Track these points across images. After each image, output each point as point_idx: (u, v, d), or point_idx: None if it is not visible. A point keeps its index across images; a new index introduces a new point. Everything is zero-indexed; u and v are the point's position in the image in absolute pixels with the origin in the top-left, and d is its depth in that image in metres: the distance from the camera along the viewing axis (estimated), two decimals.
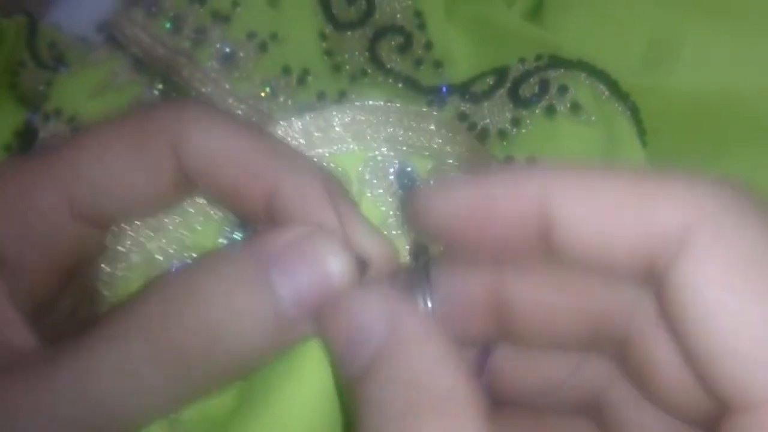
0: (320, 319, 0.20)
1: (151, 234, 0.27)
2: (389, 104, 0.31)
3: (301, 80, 0.37)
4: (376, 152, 0.30)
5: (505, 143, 0.34)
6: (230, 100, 0.36)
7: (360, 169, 0.30)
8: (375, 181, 0.29)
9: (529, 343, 0.22)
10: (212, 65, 0.37)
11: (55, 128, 0.38)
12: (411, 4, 0.39)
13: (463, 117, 0.36)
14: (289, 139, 0.30)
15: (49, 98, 0.40)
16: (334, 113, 0.30)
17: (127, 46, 0.38)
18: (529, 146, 0.34)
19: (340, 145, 0.30)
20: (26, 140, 0.39)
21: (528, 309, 0.20)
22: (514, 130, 0.35)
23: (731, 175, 0.33)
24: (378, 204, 0.29)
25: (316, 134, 0.30)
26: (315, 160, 0.29)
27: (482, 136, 0.35)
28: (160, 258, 0.27)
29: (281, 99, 0.37)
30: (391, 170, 0.30)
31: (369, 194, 0.29)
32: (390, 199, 0.29)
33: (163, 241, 0.27)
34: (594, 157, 0.34)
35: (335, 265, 0.20)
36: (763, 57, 0.36)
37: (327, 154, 0.30)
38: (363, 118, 0.30)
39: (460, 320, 0.21)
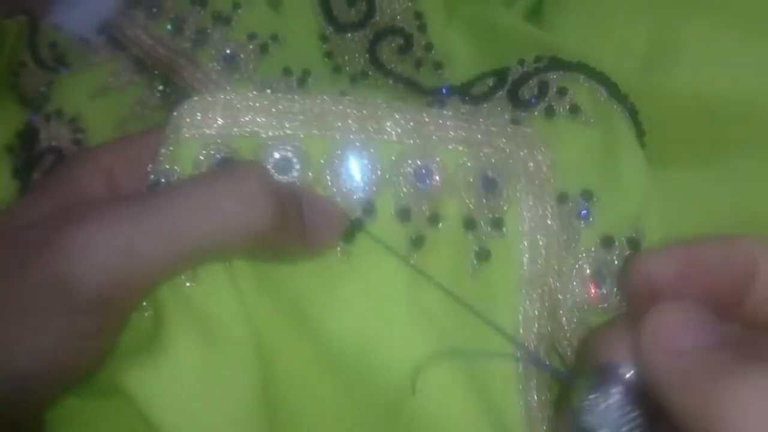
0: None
1: None
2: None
3: (302, 82, 0.38)
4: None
5: None
6: None
7: (395, 158, 0.30)
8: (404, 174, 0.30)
9: None
10: (213, 66, 0.37)
11: (57, 129, 0.39)
12: (411, 5, 0.39)
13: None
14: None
15: (50, 99, 0.40)
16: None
17: (127, 47, 0.39)
18: None
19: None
20: (28, 141, 0.39)
21: None
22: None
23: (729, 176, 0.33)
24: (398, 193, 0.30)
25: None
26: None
27: None
28: None
29: None
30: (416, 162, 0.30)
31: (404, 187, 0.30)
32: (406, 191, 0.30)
33: None
34: (593, 159, 0.34)
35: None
36: (763, 58, 0.36)
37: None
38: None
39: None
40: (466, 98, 0.36)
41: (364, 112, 0.31)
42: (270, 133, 0.29)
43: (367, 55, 0.39)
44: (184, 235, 0.25)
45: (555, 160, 0.33)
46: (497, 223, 0.30)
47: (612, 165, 0.33)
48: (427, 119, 0.31)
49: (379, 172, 0.30)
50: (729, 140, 0.36)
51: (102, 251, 0.24)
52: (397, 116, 0.31)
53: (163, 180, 0.28)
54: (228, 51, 0.37)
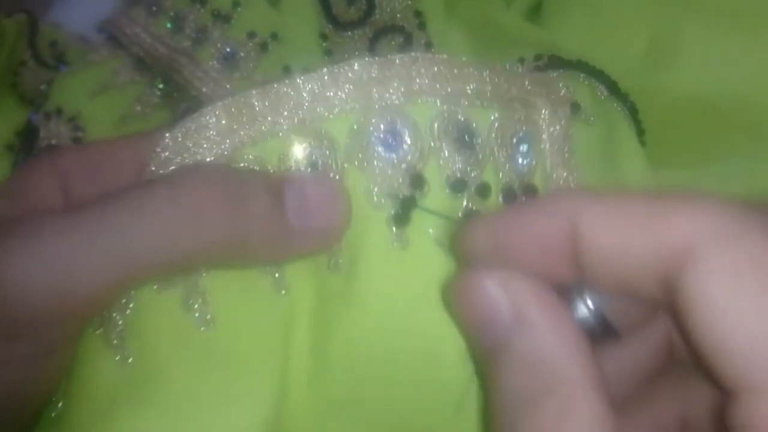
0: (452, 299, 0.22)
1: None
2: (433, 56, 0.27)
3: None
4: (444, 107, 0.26)
5: None
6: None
7: (435, 124, 0.26)
8: (447, 139, 0.26)
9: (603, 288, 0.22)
10: (213, 65, 0.37)
11: (57, 127, 0.39)
12: (411, 4, 0.39)
13: None
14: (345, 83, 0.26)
15: (50, 97, 0.40)
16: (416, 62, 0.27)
17: (127, 46, 0.39)
18: None
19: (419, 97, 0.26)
20: (27, 139, 0.39)
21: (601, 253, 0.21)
22: None
23: (730, 183, 0.33)
24: (448, 164, 0.26)
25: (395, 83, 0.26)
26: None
27: None
28: None
29: None
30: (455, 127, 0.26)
31: (444, 152, 0.26)
32: (457, 158, 0.26)
33: None
34: (593, 157, 0.34)
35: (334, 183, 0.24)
36: (763, 57, 0.36)
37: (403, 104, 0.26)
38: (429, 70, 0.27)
39: (544, 265, 0.21)
40: None
41: (391, 71, 0.26)
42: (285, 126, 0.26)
43: (366, 54, 0.39)
44: (122, 251, 0.22)
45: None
46: (530, 189, 0.28)
47: (612, 163, 0.33)
48: (456, 72, 0.27)
49: (421, 140, 0.26)
50: (728, 139, 0.36)
51: (33, 270, 0.22)
52: (424, 70, 0.27)
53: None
54: (228, 49, 0.37)
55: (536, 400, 0.19)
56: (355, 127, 0.25)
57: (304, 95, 0.25)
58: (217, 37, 0.37)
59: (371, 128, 0.25)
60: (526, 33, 0.38)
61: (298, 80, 0.26)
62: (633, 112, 0.35)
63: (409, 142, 0.25)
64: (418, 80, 0.26)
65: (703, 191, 0.19)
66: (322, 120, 0.25)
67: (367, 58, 0.26)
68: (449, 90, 0.26)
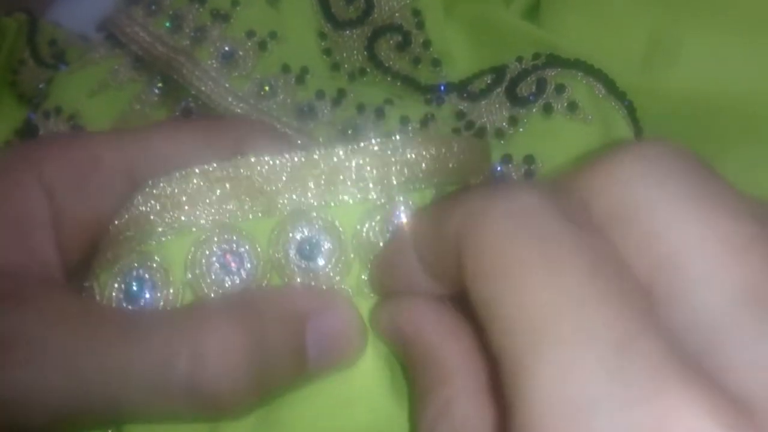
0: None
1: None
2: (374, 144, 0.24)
3: (300, 79, 0.38)
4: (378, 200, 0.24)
5: (502, 142, 0.35)
6: (230, 99, 0.36)
7: (359, 224, 0.24)
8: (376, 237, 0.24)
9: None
10: (212, 64, 0.37)
11: (55, 126, 0.39)
12: (409, 2, 0.39)
13: (460, 115, 0.36)
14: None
15: (49, 96, 0.40)
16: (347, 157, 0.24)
17: (126, 45, 0.39)
18: (526, 145, 0.34)
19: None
20: (26, 138, 0.39)
21: None
22: (511, 129, 0.35)
23: None
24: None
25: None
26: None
27: (479, 135, 0.35)
28: None
29: (280, 98, 0.37)
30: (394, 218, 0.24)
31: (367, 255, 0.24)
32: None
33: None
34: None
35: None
36: (763, 57, 0.36)
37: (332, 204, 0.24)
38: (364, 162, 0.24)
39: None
40: (464, 95, 0.36)
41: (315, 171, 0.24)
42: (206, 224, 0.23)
43: (365, 52, 0.39)
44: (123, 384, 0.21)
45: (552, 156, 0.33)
46: None
47: None
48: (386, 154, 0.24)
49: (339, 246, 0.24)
50: (727, 139, 0.36)
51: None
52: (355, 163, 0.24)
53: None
54: (227, 48, 0.37)
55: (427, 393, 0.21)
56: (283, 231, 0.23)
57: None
58: (216, 36, 0.37)
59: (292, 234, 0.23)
60: (525, 32, 0.38)
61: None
62: (631, 111, 0.35)
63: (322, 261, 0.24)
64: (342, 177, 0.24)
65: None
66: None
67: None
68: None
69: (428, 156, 0.24)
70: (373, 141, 0.24)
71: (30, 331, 0.21)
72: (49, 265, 0.24)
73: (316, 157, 0.23)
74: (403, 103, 0.37)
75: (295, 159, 0.23)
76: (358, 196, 0.24)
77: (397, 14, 0.39)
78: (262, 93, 0.37)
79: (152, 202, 0.23)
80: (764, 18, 0.36)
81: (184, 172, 0.23)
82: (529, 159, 0.34)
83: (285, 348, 0.22)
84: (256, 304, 0.23)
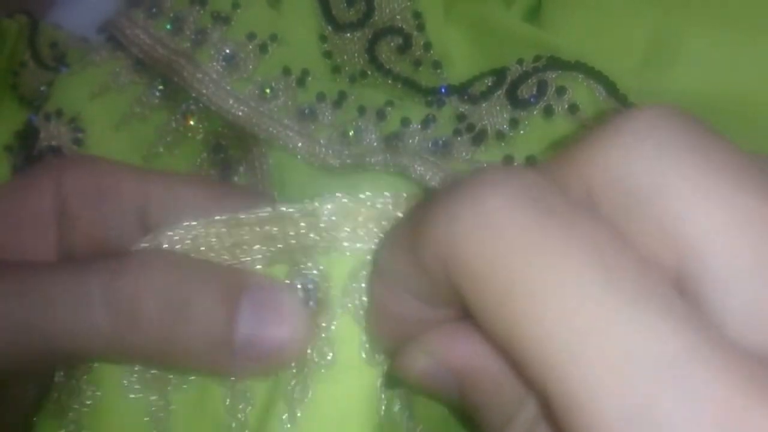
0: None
1: None
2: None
3: (301, 81, 0.38)
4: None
5: (503, 144, 0.35)
6: (230, 102, 0.36)
7: (353, 275, 0.24)
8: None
9: None
10: (213, 66, 0.37)
11: (57, 128, 0.39)
12: (410, 5, 0.39)
13: (461, 118, 0.36)
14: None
15: (50, 98, 0.40)
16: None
17: (127, 47, 0.39)
18: (526, 147, 0.34)
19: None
20: (27, 141, 0.39)
21: None
22: (512, 131, 0.35)
23: None
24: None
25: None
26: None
27: (480, 137, 0.35)
28: None
29: (281, 100, 0.37)
30: None
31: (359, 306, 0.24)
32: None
33: None
34: None
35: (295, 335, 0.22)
36: (763, 58, 0.36)
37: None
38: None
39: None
40: (465, 97, 0.36)
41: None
42: None
43: (366, 55, 0.39)
44: (31, 327, 0.22)
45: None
46: None
47: None
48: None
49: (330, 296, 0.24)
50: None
51: None
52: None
53: None
54: (227, 51, 0.37)
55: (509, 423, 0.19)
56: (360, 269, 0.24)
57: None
58: (216, 39, 0.37)
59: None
60: (525, 34, 0.38)
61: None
62: None
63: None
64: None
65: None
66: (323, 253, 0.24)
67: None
68: None
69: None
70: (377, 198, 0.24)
71: None
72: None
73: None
74: (404, 105, 0.37)
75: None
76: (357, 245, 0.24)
77: (397, 16, 0.39)
78: (263, 96, 0.37)
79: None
80: (764, 18, 0.36)
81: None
82: (531, 160, 0.34)
83: (209, 306, 0.22)
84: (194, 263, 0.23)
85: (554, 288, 0.15)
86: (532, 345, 0.15)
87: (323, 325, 0.23)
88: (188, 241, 0.23)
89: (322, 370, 0.23)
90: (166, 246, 0.23)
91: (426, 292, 0.19)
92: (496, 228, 0.16)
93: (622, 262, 0.15)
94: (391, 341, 0.22)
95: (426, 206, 0.18)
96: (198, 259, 0.23)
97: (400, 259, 0.19)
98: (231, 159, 0.38)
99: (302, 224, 0.23)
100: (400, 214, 0.23)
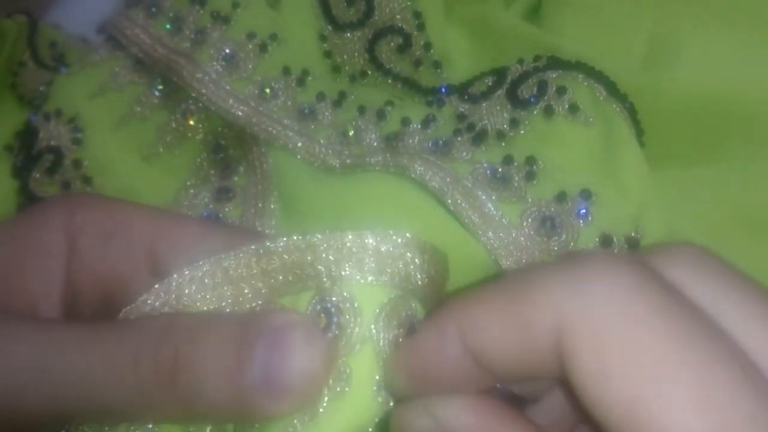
0: None
1: None
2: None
3: (301, 81, 0.38)
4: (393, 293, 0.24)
5: (503, 144, 0.34)
6: (230, 101, 0.36)
7: (378, 309, 0.23)
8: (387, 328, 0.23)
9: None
10: (212, 66, 0.37)
11: (56, 128, 0.39)
12: (410, 5, 0.39)
13: (461, 118, 0.36)
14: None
15: (49, 98, 0.40)
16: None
17: (127, 47, 0.38)
18: (527, 147, 0.34)
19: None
20: (27, 140, 0.39)
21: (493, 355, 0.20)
22: (512, 131, 0.35)
23: None
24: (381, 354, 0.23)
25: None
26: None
27: (480, 137, 0.35)
28: None
29: (281, 100, 0.37)
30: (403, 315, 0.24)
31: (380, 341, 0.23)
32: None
33: None
34: (592, 158, 0.34)
35: (313, 366, 0.22)
36: (763, 57, 0.36)
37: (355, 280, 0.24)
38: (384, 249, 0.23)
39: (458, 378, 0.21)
40: (465, 97, 0.36)
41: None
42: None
43: (366, 55, 0.39)
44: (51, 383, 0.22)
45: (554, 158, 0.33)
46: None
47: (611, 164, 0.33)
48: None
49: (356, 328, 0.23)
50: (729, 140, 0.36)
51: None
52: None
53: None
54: (227, 50, 0.37)
55: None
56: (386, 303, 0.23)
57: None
58: (216, 38, 0.37)
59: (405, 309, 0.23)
60: (526, 34, 0.38)
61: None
62: (632, 112, 0.35)
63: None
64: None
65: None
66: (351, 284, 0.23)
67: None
68: None
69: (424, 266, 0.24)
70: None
71: None
72: (37, 304, 0.25)
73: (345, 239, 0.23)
74: (404, 105, 0.37)
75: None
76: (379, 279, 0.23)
77: (397, 16, 0.39)
78: (263, 95, 0.37)
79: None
80: (764, 18, 0.36)
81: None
82: (531, 160, 0.34)
83: (219, 358, 0.22)
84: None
85: (693, 388, 0.16)
86: (657, 424, 0.15)
87: (342, 357, 0.23)
88: (219, 274, 0.23)
89: (330, 398, 0.23)
90: (187, 282, 0.23)
91: (504, 359, 0.19)
92: (631, 302, 0.16)
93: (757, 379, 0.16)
94: (408, 388, 0.22)
95: (539, 274, 0.18)
96: (207, 314, 0.23)
97: (490, 321, 0.19)
98: (231, 159, 0.38)
99: (331, 254, 0.23)
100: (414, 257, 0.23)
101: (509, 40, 0.38)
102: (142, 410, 0.22)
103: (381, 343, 0.23)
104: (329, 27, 0.40)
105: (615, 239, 0.32)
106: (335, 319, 0.23)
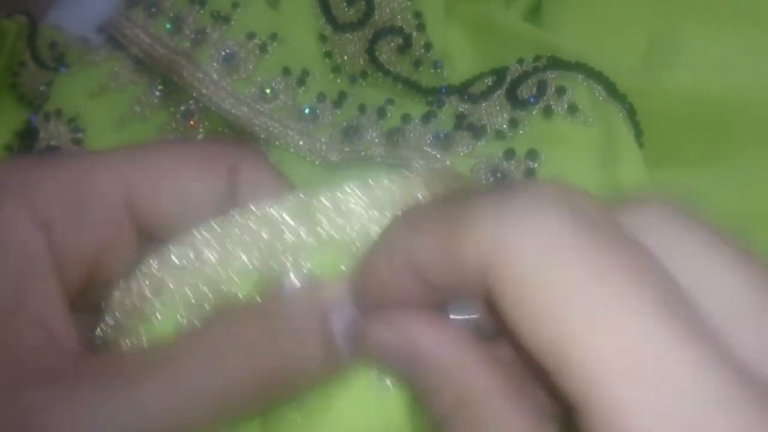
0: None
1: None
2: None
3: (301, 81, 0.38)
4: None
5: (502, 142, 0.35)
6: (231, 101, 0.36)
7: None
8: None
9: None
10: (212, 66, 0.37)
11: (56, 128, 0.39)
12: (410, 5, 0.39)
13: (461, 118, 0.36)
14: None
15: (49, 98, 0.40)
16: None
17: (127, 47, 0.39)
18: (527, 147, 0.34)
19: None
20: (27, 140, 0.39)
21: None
22: (512, 131, 0.35)
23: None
24: None
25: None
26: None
27: (479, 136, 0.35)
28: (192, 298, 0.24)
29: (281, 100, 0.37)
30: None
31: None
32: None
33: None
34: (590, 159, 0.34)
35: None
36: (762, 57, 0.36)
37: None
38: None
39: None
40: (465, 97, 0.36)
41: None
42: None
43: (366, 55, 0.39)
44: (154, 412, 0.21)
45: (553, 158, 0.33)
46: None
47: (609, 164, 0.34)
48: None
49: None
50: (728, 139, 0.36)
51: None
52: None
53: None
54: (227, 50, 0.37)
55: (450, 415, 0.19)
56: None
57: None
58: (216, 38, 0.37)
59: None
60: (526, 34, 0.38)
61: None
62: (631, 113, 0.35)
63: None
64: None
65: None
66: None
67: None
68: None
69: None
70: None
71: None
72: (44, 319, 0.23)
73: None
74: (405, 103, 0.37)
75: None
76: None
77: (398, 16, 0.39)
78: (263, 96, 0.37)
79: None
80: (764, 18, 0.37)
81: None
82: (532, 154, 0.34)
83: (308, 327, 0.22)
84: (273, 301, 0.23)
85: (614, 310, 0.16)
86: (578, 361, 0.16)
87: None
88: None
89: None
90: (174, 257, 0.23)
91: (439, 280, 0.19)
92: (557, 241, 0.16)
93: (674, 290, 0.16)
94: (369, 301, 0.22)
95: (473, 202, 0.18)
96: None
97: (426, 244, 0.19)
98: None
99: (293, 222, 0.23)
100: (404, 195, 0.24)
101: (509, 40, 0.38)
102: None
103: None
104: (329, 27, 0.40)
105: None
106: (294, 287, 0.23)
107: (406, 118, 0.35)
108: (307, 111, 0.37)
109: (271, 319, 0.22)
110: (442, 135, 0.34)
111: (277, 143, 0.36)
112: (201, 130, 0.39)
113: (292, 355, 0.22)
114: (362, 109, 0.36)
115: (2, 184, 0.24)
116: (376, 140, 0.35)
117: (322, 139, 0.36)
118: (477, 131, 0.35)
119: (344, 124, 0.36)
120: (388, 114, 0.36)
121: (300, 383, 0.23)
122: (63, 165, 0.24)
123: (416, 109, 0.36)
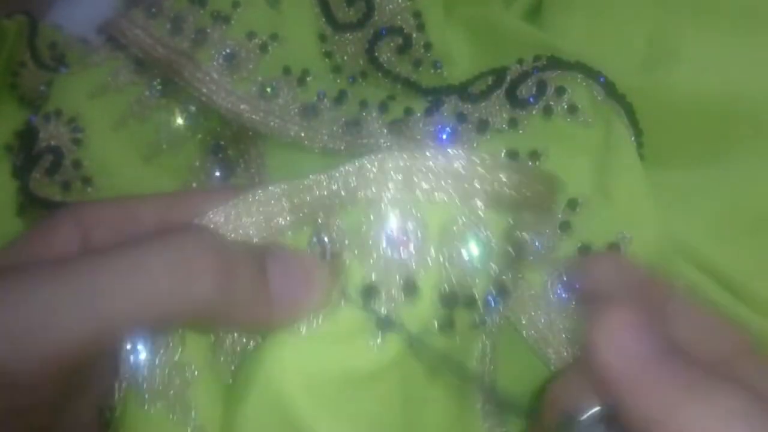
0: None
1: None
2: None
3: (301, 81, 0.38)
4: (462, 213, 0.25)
5: (506, 137, 0.34)
6: (231, 100, 0.36)
7: (448, 225, 0.26)
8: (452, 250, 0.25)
9: None
10: (213, 66, 0.37)
11: (56, 128, 0.39)
12: (410, 5, 0.39)
13: (461, 117, 0.36)
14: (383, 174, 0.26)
15: (49, 99, 0.40)
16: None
17: (127, 47, 0.39)
18: (526, 147, 0.34)
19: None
20: (27, 140, 0.39)
21: None
22: (511, 130, 0.35)
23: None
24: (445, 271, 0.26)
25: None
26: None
27: (483, 131, 0.35)
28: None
29: (281, 100, 0.37)
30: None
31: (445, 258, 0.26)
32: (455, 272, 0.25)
33: None
34: (589, 159, 0.34)
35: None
36: (762, 57, 0.36)
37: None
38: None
39: None
40: (465, 97, 0.36)
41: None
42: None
43: (366, 55, 0.39)
44: (103, 307, 0.22)
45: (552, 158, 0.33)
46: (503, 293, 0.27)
47: (609, 165, 0.34)
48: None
49: (425, 244, 0.25)
50: (728, 140, 0.36)
51: (6, 323, 0.21)
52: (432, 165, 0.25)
53: None
54: (228, 50, 0.37)
55: None
56: (371, 218, 0.25)
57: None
58: (216, 38, 0.37)
59: (382, 224, 0.25)
60: (525, 34, 0.38)
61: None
62: (631, 113, 0.35)
63: (412, 247, 0.25)
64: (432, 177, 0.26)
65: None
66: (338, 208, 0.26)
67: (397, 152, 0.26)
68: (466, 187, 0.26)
69: (508, 182, 0.26)
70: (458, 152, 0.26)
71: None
72: None
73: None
74: (406, 99, 0.37)
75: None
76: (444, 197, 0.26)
77: (398, 17, 0.39)
78: (264, 95, 0.37)
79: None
80: (764, 18, 0.37)
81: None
82: (534, 154, 0.34)
83: (248, 274, 0.24)
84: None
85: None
86: None
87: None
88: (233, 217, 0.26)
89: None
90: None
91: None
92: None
93: None
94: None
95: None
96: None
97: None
98: (230, 159, 0.39)
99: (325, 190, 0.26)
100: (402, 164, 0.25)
101: (509, 41, 0.38)
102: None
103: (445, 266, 0.26)
104: (329, 27, 0.40)
105: (594, 248, 0.32)
106: (327, 245, 0.26)
107: (408, 111, 0.35)
108: (308, 108, 0.36)
109: (219, 253, 0.24)
110: (448, 128, 0.34)
111: (278, 138, 0.36)
112: (200, 130, 0.39)
113: (226, 293, 0.23)
114: (363, 104, 0.36)
115: (58, 211, 0.29)
116: (380, 130, 0.35)
117: (325, 137, 0.36)
118: (480, 126, 0.35)
119: (346, 118, 0.36)
120: (390, 108, 0.36)
121: (230, 320, 0.25)
122: (111, 200, 0.29)
123: (418, 103, 0.36)
